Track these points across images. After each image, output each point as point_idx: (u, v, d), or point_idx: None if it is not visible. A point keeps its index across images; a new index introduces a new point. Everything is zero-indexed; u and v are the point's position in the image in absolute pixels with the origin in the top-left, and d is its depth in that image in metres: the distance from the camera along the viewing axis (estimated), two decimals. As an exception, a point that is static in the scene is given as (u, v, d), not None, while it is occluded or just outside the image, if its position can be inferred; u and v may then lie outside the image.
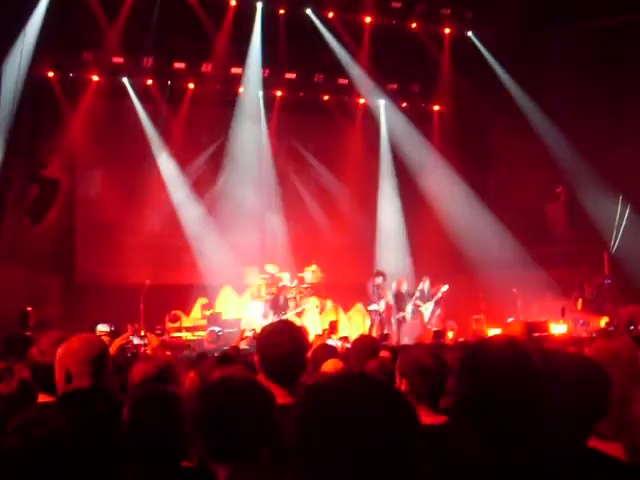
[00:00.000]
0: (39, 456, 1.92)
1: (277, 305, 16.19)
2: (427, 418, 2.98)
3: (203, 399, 2.29)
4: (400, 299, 16.89)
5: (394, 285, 16.82)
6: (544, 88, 16.52)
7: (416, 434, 1.50)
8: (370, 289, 16.62)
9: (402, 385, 3.27)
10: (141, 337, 11.21)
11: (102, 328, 12.58)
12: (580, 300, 15.70)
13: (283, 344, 3.17)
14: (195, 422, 2.23)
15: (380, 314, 16.60)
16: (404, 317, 16.82)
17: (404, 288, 16.97)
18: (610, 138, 16.00)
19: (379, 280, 16.55)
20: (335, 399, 1.50)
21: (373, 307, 16.65)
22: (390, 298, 16.66)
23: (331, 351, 5.66)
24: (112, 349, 4.76)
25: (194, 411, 2.28)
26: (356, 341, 6.35)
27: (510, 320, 14.33)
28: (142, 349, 10.38)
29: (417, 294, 16.94)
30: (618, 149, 15.96)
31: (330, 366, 4.89)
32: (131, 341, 9.65)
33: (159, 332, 14.40)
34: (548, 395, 2.11)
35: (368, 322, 16.83)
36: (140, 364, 4.02)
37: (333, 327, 14.97)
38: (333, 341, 13.84)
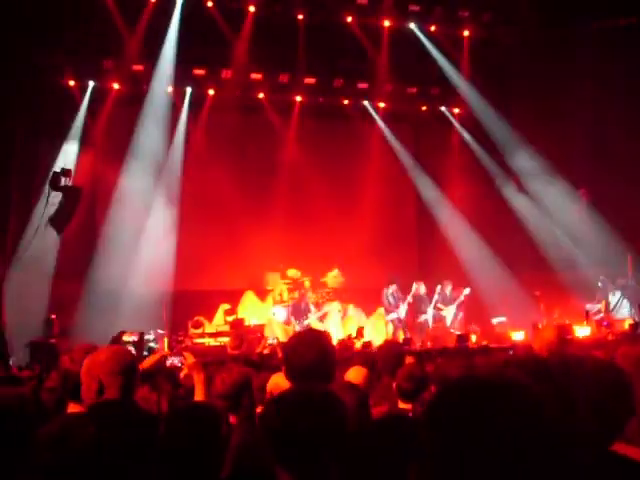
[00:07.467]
0: (71, 468, 1.93)
1: (299, 310, 16.25)
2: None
3: (280, 405, 2.30)
4: (419, 302, 16.88)
5: (414, 287, 16.80)
6: (567, 86, 16.35)
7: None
8: (385, 299, 16.70)
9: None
10: (176, 355, 11.20)
11: (128, 338, 12.65)
12: (604, 302, 15.59)
13: (308, 355, 3.23)
14: (268, 426, 2.24)
15: (401, 320, 16.63)
16: (426, 321, 16.83)
17: (422, 291, 16.94)
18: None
19: (393, 288, 16.63)
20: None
21: (392, 316, 16.68)
22: (406, 303, 16.67)
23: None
24: (148, 364, 4.81)
25: (267, 415, 2.29)
26: (382, 347, 6.40)
27: (540, 324, 14.16)
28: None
29: (436, 297, 16.92)
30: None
31: (354, 374, 4.86)
32: (167, 358, 9.63)
33: (181, 338, 14.45)
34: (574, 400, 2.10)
35: (390, 327, 16.81)
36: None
37: (360, 332, 14.97)
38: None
